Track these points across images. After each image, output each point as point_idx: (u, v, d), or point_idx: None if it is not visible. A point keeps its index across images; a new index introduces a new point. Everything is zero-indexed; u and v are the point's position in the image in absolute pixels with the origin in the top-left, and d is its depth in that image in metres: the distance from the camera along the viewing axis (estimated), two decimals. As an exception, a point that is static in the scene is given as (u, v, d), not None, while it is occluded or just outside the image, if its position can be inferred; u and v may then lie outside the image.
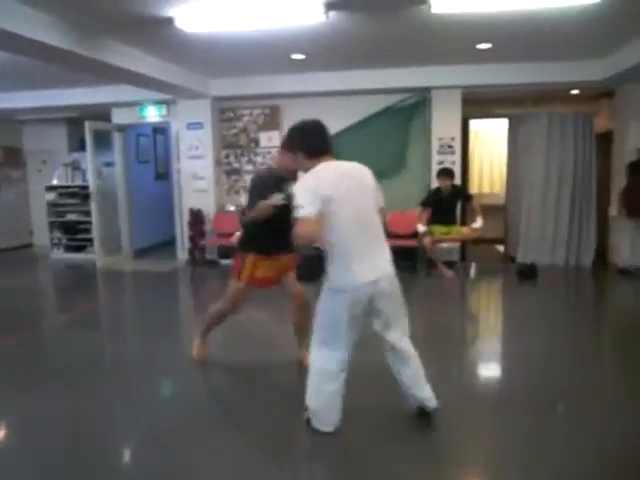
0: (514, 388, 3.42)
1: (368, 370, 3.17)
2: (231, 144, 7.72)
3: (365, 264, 2.53)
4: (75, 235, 8.33)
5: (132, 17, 4.44)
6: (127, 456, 2.75)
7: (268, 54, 5.88)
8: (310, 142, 2.68)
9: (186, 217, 7.61)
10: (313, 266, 2.62)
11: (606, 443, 2.69)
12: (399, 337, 2.72)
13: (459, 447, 2.69)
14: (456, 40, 5.41)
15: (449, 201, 6.50)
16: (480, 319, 5.56)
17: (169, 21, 4.49)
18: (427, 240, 6.37)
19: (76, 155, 8.74)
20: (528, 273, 6.56)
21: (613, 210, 6.69)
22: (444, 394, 2.88)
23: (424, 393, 2.75)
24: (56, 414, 3.08)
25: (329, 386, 2.64)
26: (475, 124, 9.05)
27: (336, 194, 2.49)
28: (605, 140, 7.33)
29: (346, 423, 2.74)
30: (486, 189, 9.49)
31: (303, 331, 3.48)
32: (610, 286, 6.61)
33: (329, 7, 4.27)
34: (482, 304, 6.29)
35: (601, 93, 7.47)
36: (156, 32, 4.85)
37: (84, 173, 8.18)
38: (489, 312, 5.98)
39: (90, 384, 3.53)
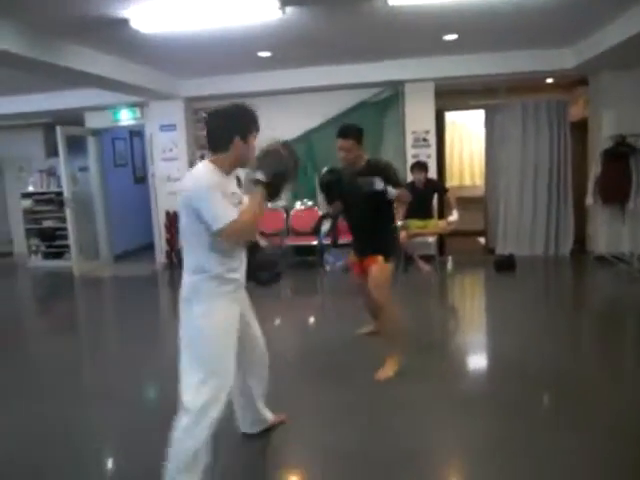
0: (493, 378, 3.46)
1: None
2: (206, 145, 7.64)
3: None
4: (53, 242, 8.25)
5: (88, 19, 4.37)
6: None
7: (234, 52, 5.82)
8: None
9: (162, 220, 7.55)
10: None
11: (587, 428, 2.71)
12: None
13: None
14: (421, 32, 5.36)
15: (424, 195, 6.44)
16: (455, 313, 5.53)
17: (124, 22, 4.42)
18: (403, 235, 6.31)
19: (53, 161, 8.65)
20: (506, 265, 6.52)
21: (589, 198, 6.65)
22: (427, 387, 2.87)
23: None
24: (34, 420, 3.07)
25: None
26: (454, 116, 9.00)
27: None
28: (581, 128, 7.30)
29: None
30: (467, 181, 9.45)
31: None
32: (587, 274, 6.59)
33: (284, 2, 4.21)
34: (458, 298, 6.26)
35: (576, 81, 7.42)
36: (114, 34, 4.78)
37: (60, 179, 8.10)
38: (464, 306, 5.95)
39: (67, 390, 3.52)
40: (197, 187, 2.09)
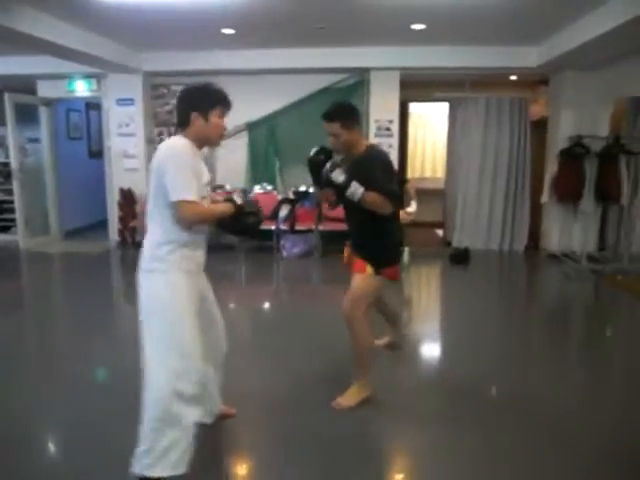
0: (435, 373, 3.47)
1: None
2: (165, 122, 7.44)
3: None
4: (-1, 215, 7.89)
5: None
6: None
7: (197, 28, 5.63)
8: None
9: (116, 197, 7.31)
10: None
11: (535, 425, 2.73)
12: None
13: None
14: (390, 19, 5.29)
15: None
16: (404, 304, 5.55)
17: (79, -13, 4.20)
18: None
19: (1, 130, 8.24)
20: (461, 258, 6.61)
21: (545, 196, 6.78)
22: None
23: None
24: None
25: None
26: (417, 108, 9.02)
27: None
28: (541, 127, 7.41)
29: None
30: (428, 173, 9.50)
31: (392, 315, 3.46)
32: (537, 271, 6.74)
33: (248, -22, 4.07)
34: (409, 289, 6.29)
35: (538, 80, 7.53)
36: (74, 1, 4.54)
37: (8, 149, 7.71)
38: (415, 297, 5.98)
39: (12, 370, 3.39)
40: (169, 154, 2.10)
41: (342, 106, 2.81)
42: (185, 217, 2.08)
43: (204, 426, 2.43)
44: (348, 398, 2.90)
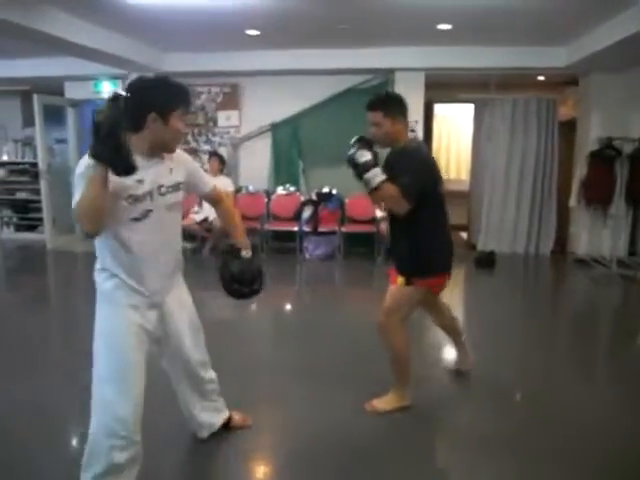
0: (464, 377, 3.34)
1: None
2: (188, 122, 7.46)
3: None
4: (26, 214, 8.01)
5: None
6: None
7: (222, 29, 5.64)
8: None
9: (140, 197, 7.35)
10: None
11: (560, 428, 2.67)
12: None
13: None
14: (415, 19, 5.22)
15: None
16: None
17: (106, -12, 4.23)
18: (384, 226, 6.25)
19: (29, 131, 8.38)
20: (486, 261, 6.49)
21: (573, 200, 6.62)
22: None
23: None
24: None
25: None
26: (442, 109, 8.93)
27: None
28: (569, 128, 7.26)
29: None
30: (452, 175, 9.40)
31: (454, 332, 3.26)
32: (565, 275, 6.59)
33: (274, -21, 4.06)
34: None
35: (567, 81, 7.38)
36: (98, 1, 4.58)
37: (36, 149, 7.84)
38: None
39: (39, 366, 3.40)
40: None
41: (388, 95, 2.67)
42: (76, 217, 1.70)
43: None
44: (384, 402, 2.78)
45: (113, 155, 1.61)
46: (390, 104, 2.58)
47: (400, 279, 2.63)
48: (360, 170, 2.46)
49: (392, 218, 2.66)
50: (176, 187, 2.02)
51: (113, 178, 1.67)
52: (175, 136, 1.91)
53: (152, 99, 1.85)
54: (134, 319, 1.95)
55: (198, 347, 2.28)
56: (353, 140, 2.57)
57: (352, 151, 2.49)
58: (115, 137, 1.60)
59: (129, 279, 1.93)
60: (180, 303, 2.19)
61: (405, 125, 2.63)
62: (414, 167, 2.51)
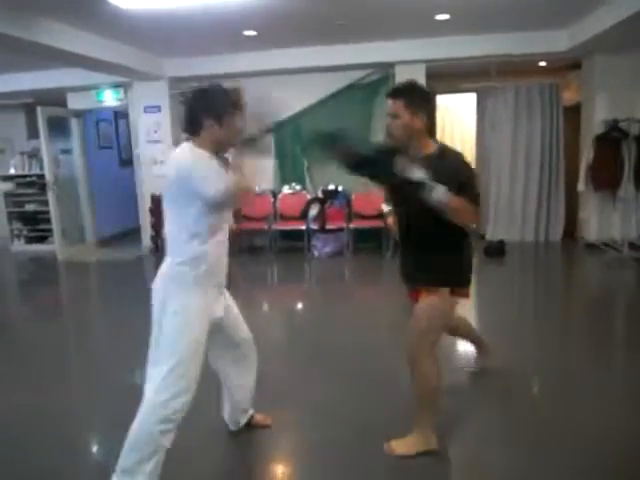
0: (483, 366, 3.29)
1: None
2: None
3: None
4: (36, 225, 8.08)
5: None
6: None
7: (219, 31, 5.64)
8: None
9: (148, 203, 7.40)
10: None
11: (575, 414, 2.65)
12: None
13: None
14: (413, 11, 5.19)
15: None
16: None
17: (102, -3, 4.24)
18: (390, 220, 6.21)
19: (35, 143, 8.44)
20: (496, 251, 6.46)
21: (581, 185, 6.56)
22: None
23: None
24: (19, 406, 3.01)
25: None
26: (445, 100, 8.85)
27: None
28: (574, 113, 7.18)
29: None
30: (458, 166, 9.32)
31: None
32: (577, 261, 6.53)
33: (268, -22, 4.05)
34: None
35: (570, 65, 7.29)
36: (93, 10, 4.60)
37: (42, 161, 7.90)
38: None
39: (53, 376, 3.44)
40: (184, 164, 2.02)
41: (413, 84, 2.33)
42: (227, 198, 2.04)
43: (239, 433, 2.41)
44: (405, 445, 2.43)
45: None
46: (415, 95, 2.28)
47: (432, 290, 2.31)
48: (413, 189, 2.12)
49: (414, 227, 2.35)
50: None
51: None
52: (232, 135, 2.13)
53: (208, 104, 2.08)
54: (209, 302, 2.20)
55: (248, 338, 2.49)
56: (368, 151, 2.37)
57: (399, 167, 2.17)
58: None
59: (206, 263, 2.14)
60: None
61: (425, 123, 2.28)
62: (471, 173, 2.31)
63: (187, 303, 2.10)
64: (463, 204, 2.12)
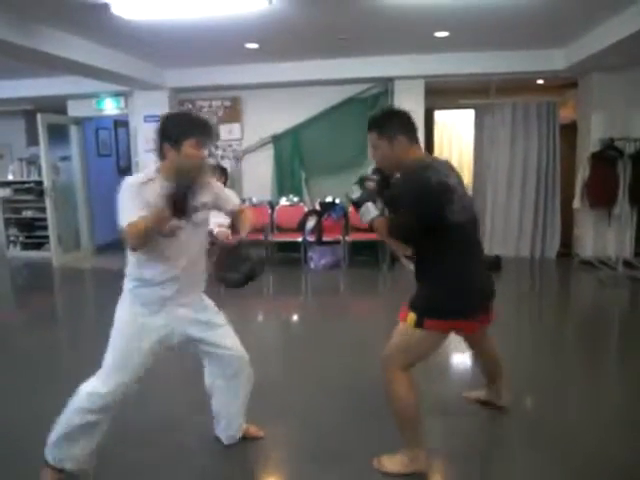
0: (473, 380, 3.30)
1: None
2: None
3: None
4: (32, 232, 8.07)
5: (67, 3, 4.22)
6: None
7: (221, 43, 5.69)
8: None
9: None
10: None
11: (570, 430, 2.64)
12: None
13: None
14: (412, 28, 5.25)
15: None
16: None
17: (105, 7, 4.27)
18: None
19: (34, 149, 8.46)
20: (492, 266, 6.46)
21: (577, 202, 6.61)
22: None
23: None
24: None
25: None
26: (443, 116, 8.93)
27: None
28: (571, 131, 7.25)
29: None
30: (455, 181, 9.37)
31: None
32: (571, 278, 6.56)
33: (271, -8, 4.10)
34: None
35: (567, 83, 7.39)
36: (95, 19, 4.63)
37: (40, 168, 7.91)
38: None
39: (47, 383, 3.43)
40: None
41: (383, 112, 2.35)
42: (126, 236, 2.01)
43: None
44: (393, 463, 2.33)
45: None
46: (384, 122, 2.24)
47: (411, 315, 2.18)
48: (356, 208, 2.29)
49: (415, 246, 2.28)
50: (203, 206, 2.23)
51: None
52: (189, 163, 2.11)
53: (165, 131, 2.11)
54: (153, 321, 2.32)
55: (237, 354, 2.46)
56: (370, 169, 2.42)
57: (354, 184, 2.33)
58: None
59: (157, 282, 2.23)
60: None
61: (410, 143, 2.22)
62: (411, 197, 2.11)
63: (120, 315, 2.30)
64: (381, 228, 2.17)
